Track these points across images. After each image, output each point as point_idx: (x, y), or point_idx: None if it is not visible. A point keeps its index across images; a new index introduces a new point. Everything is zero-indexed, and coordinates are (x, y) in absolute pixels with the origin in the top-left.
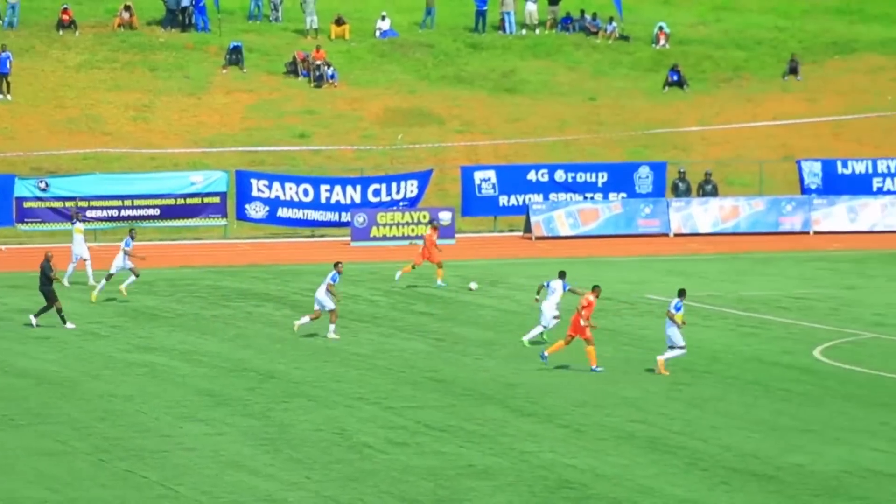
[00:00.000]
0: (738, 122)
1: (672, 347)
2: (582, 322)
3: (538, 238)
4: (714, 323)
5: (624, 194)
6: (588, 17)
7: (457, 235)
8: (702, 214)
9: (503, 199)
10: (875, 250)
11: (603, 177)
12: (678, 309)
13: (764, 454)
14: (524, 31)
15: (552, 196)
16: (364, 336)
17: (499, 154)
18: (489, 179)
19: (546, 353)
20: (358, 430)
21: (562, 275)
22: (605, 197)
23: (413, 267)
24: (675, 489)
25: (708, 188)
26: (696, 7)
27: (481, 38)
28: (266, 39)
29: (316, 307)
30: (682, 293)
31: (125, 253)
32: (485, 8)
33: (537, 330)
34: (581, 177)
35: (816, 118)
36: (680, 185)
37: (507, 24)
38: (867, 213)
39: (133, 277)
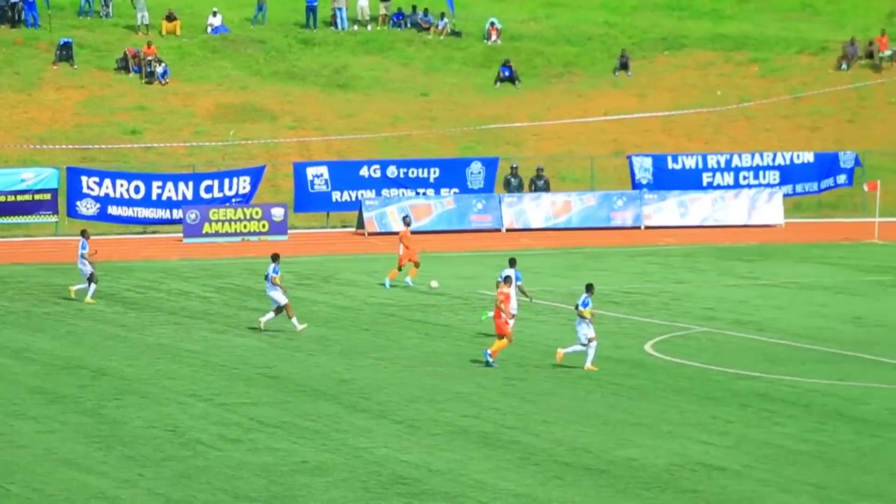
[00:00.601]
0: (570, 117)
1: (583, 344)
2: (503, 317)
3: (371, 234)
4: (547, 318)
5: (456, 189)
6: (420, 12)
7: (289, 231)
8: (534, 209)
9: (336, 195)
10: (705, 244)
11: (435, 172)
12: (585, 305)
13: (596, 448)
14: (356, 27)
15: (385, 192)
16: (197, 333)
17: (332, 150)
18: (322, 175)
19: (489, 353)
20: (191, 426)
21: (512, 262)
22: (438, 192)
23: (399, 269)
24: (508, 484)
25: (540, 183)
26: (527, 3)
27: (313, 33)
28: (97, 35)
29: (273, 305)
30: (589, 288)
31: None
32: (315, 3)
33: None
34: (413, 172)
35: (647, 113)
36: (512, 180)
37: (338, 20)
38: (697, 208)
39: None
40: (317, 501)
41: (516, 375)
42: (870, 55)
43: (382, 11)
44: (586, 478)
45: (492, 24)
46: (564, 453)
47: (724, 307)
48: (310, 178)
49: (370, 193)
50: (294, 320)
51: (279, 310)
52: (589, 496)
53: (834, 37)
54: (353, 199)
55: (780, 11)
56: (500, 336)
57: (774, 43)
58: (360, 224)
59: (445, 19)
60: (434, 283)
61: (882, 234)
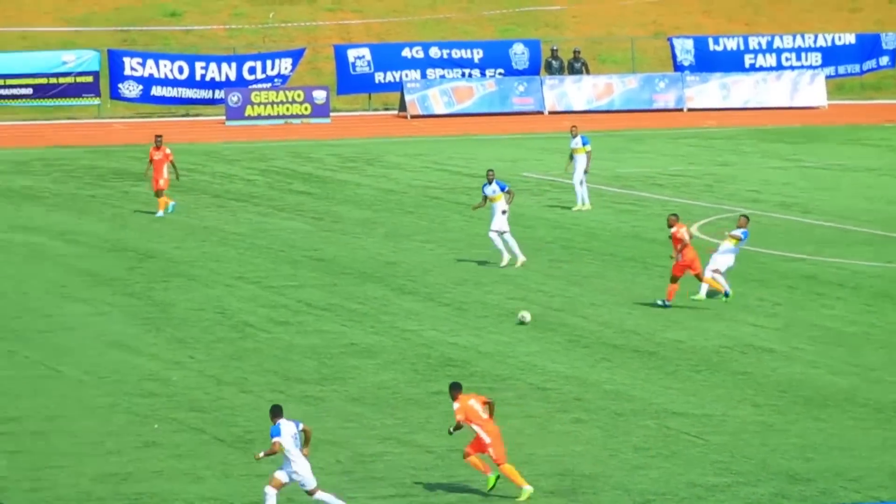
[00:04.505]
0: None
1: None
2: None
3: (413, 116)
4: (591, 200)
5: (502, 71)
6: None
7: (331, 114)
8: (576, 92)
9: (378, 77)
10: (748, 127)
11: (479, 53)
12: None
13: (644, 330)
14: None
15: (429, 73)
16: (242, 215)
17: (371, 33)
18: (363, 57)
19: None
20: (239, 309)
21: None
22: (483, 74)
23: None
24: (557, 366)
25: (577, 66)
26: None
27: None
28: None
29: None
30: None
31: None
32: None
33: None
34: (456, 53)
35: None
36: (553, 63)
37: None
38: (739, 90)
39: None
40: (366, 383)
41: (562, 258)
42: None
43: None
44: (635, 360)
45: None
46: (613, 335)
47: (768, 189)
48: (351, 60)
49: (413, 75)
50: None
51: None
52: (638, 378)
53: None
54: (396, 80)
55: None
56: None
57: None
58: (402, 106)
59: None
60: (526, 316)
61: None
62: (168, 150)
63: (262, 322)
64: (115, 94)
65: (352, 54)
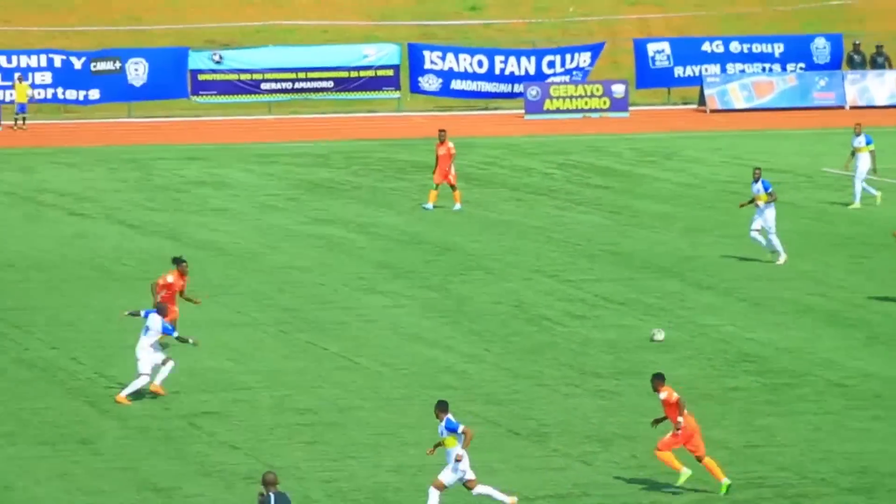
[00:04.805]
0: None
1: None
2: None
3: (712, 111)
4: (889, 196)
5: (802, 65)
6: None
7: (630, 108)
8: (878, 87)
9: (678, 71)
10: None
11: (779, 48)
12: None
13: None
14: None
15: (729, 67)
16: (540, 209)
17: (671, 26)
18: (663, 51)
19: None
20: (536, 302)
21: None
22: (784, 69)
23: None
24: (857, 363)
25: (880, 61)
26: None
27: None
28: None
29: None
30: None
31: None
32: None
33: None
34: (757, 48)
35: None
36: (855, 57)
37: None
38: None
39: None
40: None
41: (863, 253)
42: None
43: None
44: None
45: None
46: None
47: None
48: (651, 54)
49: (713, 69)
50: None
51: None
52: None
53: None
54: (695, 75)
55: None
56: None
57: None
58: (702, 101)
59: None
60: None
61: None
62: (451, 145)
63: (558, 316)
64: (415, 88)
65: (651, 48)
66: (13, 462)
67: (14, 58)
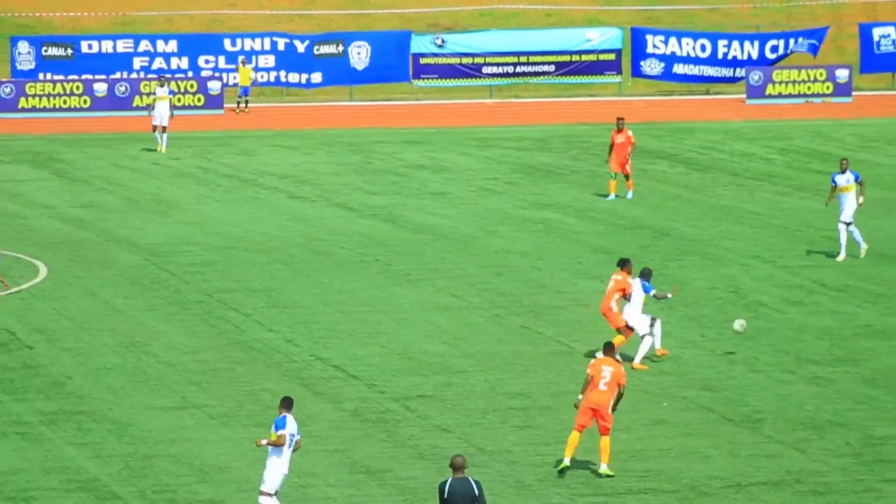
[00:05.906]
0: None
1: None
2: None
3: None
4: None
5: None
6: None
7: (853, 93)
8: None
9: None
10: None
11: None
12: None
13: None
14: None
15: None
16: (759, 194)
17: None
18: (889, 36)
19: None
20: (753, 288)
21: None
22: None
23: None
24: None
25: None
26: None
27: None
28: None
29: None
30: None
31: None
32: None
33: None
34: None
35: None
36: None
37: None
38: None
39: None
40: (879, 365)
41: None
42: None
43: None
44: None
45: None
46: None
47: None
48: (876, 38)
49: None
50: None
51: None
52: None
53: None
54: None
55: None
56: None
57: None
58: None
59: None
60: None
61: None
62: (630, 133)
63: (775, 302)
64: (637, 72)
65: (877, 33)
66: (228, 443)
67: (238, 41)
